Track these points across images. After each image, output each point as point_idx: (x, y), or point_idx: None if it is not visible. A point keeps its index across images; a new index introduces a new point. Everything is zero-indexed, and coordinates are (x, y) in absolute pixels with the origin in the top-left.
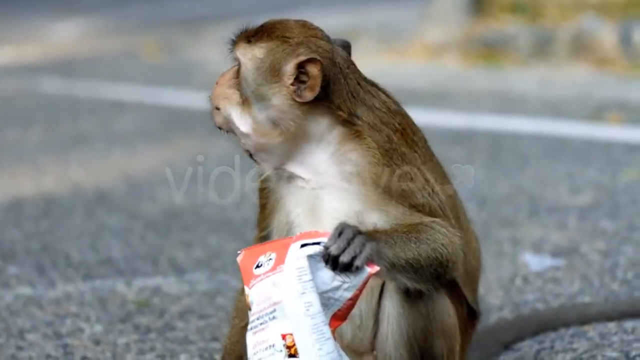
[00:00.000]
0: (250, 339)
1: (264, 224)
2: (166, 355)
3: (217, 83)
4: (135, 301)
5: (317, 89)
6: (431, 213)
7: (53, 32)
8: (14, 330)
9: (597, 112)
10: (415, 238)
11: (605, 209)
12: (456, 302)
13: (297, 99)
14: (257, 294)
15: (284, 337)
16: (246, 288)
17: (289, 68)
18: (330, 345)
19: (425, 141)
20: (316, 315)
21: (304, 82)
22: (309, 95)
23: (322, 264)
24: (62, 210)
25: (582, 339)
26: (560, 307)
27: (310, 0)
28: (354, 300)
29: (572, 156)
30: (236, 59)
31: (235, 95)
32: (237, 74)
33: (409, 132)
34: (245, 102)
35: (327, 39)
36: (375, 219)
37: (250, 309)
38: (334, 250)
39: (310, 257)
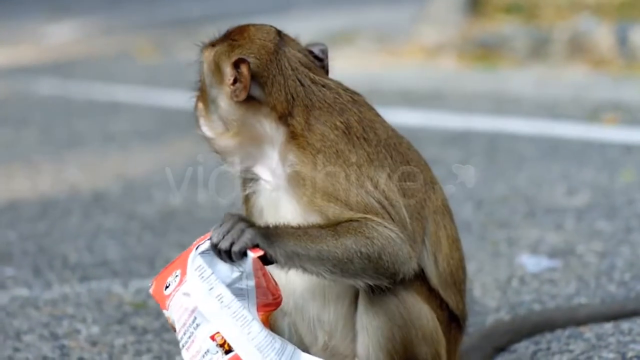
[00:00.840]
0: (186, 355)
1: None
2: (163, 356)
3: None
4: (131, 302)
5: (247, 88)
6: (366, 211)
7: (48, 34)
8: (10, 331)
9: (593, 113)
10: (332, 231)
11: (601, 210)
12: (435, 307)
13: (234, 99)
14: (174, 311)
15: (212, 337)
16: (165, 312)
17: (228, 69)
18: (256, 325)
19: (387, 138)
20: (231, 304)
21: (241, 82)
22: (242, 95)
23: (217, 258)
24: (58, 212)
25: (578, 340)
26: (552, 309)
27: (306, 1)
28: (262, 288)
29: (568, 157)
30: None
31: (200, 99)
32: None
33: (355, 130)
34: (205, 105)
35: (277, 41)
36: (315, 220)
37: (175, 331)
38: (214, 239)
39: (203, 253)
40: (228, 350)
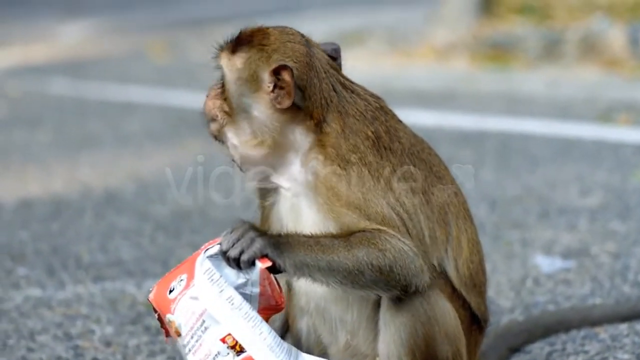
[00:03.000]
0: (192, 359)
1: (264, 227)
2: (176, 357)
3: (207, 95)
4: (145, 303)
5: (293, 95)
6: (384, 222)
7: (61, 34)
8: (24, 331)
9: (606, 114)
10: (344, 242)
11: (615, 211)
12: (458, 306)
13: (278, 106)
14: (181, 315)
15: (223, 340)
16: (169, 316)
17: (266, 76)
18: (265, 326)
19: (410, 147)
20: (242, 305)
21: (283, 88)
22: (286, 102)
23: (224, 263)
24: (72, 212)
25: (593, 340)
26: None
27: (317, 1)
28: (266, 295)
29: (581, 157)
30: (220, 69)
31: (224, 106)
32: (221, 85)
33: (383, 140)
34: (231, 113)
35: (305, 43)
36: (331, 227)
37: (180, 335)
38: (223, 245)
39: (212, 257)
40: (240, 351)
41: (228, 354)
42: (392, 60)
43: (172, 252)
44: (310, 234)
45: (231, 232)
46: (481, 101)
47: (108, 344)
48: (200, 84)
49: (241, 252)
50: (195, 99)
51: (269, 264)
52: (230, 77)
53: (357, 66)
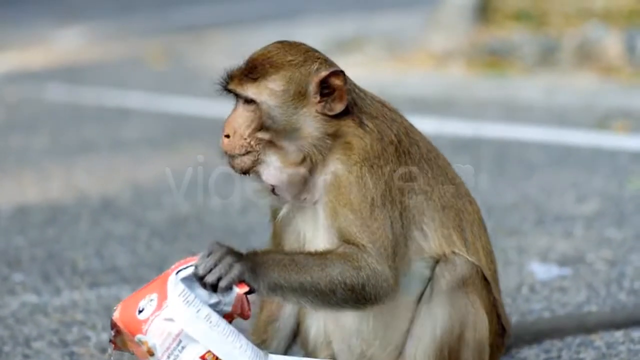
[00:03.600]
0: None
1: (275, 242)
2: None
3: (228, 133)
4: None
5: (346, 98)
6: (374, 237)
7: (57, 39)
8: (20, 338)
9: (603, 121)
10: (320, 260)
11: (611, 218)
12: (490, 318)
13: (329, 113)
14: (155, 336)
15: (203, 357)
16: (140, 337)
17: (313, 87)
18: (243, 339)
19: (427, 152)
20: (219, 322)
21: (328, 95)
22: (339, 107)
23: (197, 283)
24: (68, 218)
25: (589, 348)
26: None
27: (314, 7)
28: (237, 311)
29: (577, 165)
30: (245, 100)
31: (259, 135)
32: (251, 115)
33: (404, 145)
34: (273, 138)
35: (313, 48)
36: (329, 225)
37: (153, 355)
38: (200, 270)
39: (184, 279)
40: None
41: None
42: (389, 67)
43: (167, 259)
44: (287, 252)
45: (207, 256)
46: (478, 108)
47: (104, 350)
48: (197, 90)
49: (219, 279)
50: (192, 105)
51: (246, 289)
52: (272, 102)
53: (354, 72)
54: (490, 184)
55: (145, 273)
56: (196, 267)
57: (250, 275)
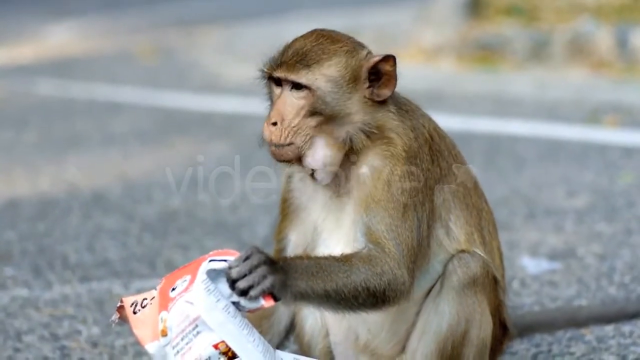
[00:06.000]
0: None
1: (281, 235)
2: None
3: (275, 120)
4: None
5: (394, 83)
6: (399, 239)
7: (48, 33)
8: (10, 332)
9: (594, 115)
10: (345, 265)
11: (601, 212)
12: (495, 320)
13: (377, 98)
14: (174, 316)
15: (216, 346)
16: (164, 314)
17: (364, 73)
18: (257, 334)
19: (451, 149)
20: (236, 314)
21: (376, 81)
22: (386, 92)
23: (224, 278)
24: (58, 212)
25: (579, 342)
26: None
27: (304, 2)
28: (250, 312)
29: (568, 159)
30: (294, 87)
31: (312, 122)
32: (302, 102)
33: (436, 140)
34: (324, 123)
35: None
36: (361, 226)
37: (166, 335)
38: (234, 273)
39: (212, 270)
40: (232, 357)
41: (219, 359)
42: None
43: (158, 253)
44: (312, 257)
45: (244, 260)
46: (469, 102)
47: (95, 344)
48: (188, 84)
49: (250, 287)
50: (183, 100)
51: (272, 304)
52: (328, 88)
53: None
54: (480, 178)
55: (136, 267)
56: (230, 267)
57: (280, 288)
